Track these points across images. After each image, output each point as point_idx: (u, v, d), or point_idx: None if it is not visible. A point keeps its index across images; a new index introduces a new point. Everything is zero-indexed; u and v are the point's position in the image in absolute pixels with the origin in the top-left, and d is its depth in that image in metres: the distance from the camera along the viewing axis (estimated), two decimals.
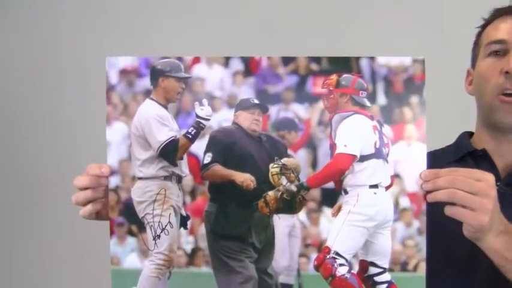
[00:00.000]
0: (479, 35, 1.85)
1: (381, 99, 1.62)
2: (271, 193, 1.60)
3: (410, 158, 1.58)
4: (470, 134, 1.92)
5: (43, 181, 3.41)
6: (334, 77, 1.59)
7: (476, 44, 1.85)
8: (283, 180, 1.62)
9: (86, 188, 1.59)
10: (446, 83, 2.38)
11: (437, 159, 1.52)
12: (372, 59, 1.60)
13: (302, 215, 1.65)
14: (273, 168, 1.62)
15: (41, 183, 3.42)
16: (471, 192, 1.41)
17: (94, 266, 2.63)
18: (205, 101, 1.61)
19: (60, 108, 3.39)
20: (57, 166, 3.38)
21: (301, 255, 1.69)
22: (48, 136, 3.42)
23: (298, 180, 1.62)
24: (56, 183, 2.81)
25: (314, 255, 1.61)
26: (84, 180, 1.59)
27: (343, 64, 1.60)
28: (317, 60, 1.61)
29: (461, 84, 1.88)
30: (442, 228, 1.56)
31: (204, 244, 1.68)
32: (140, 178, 1.68)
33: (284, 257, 1.71)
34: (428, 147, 1.56)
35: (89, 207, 1.59)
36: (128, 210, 1.67)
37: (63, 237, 3.42)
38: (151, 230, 1.67)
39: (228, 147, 1.66)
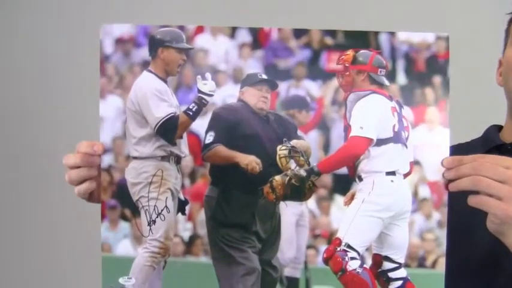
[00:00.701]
0: (510, 22, 1.82)
1: (401, 78, 1.56)
2: (278, 178, 1.56)
3: (432, 144, 1.55)
4: (499, 128, 1.90)
5: (28, 160, 3.34)
6: (350, 52, 1.55)
7: (507, 32, 1.82)
8: (292, 164, 1.56)
9: (77, 167, 1.55)
10: (473, 64, 2.36)
11: (461, 153, 1.51)
12: (392, 34, 1.55)
13: (311, 202, 1.61)
14: (281, 150, 1.57)
15: (26, 162, 3.34)
16: (499, 180, 1.35)
17: (83, 253, 2.63)
18: (208, 75, 1.56)
19: (50, 79, 3.29)
20: (45, 143, 3.28)
21: (309, 246, 1.64)
22: (35, 109, 3.34)
23: (308, 164, 1.57)
24: (44, 162, 2.80)
25: (323, 247, 1.56)
26: (74, 158, 1.53)
27: (361, 39, 1.54)
28: (332, 33, 1.55)
29: (491, 67, 1.85)
30: (463, 223, 1.55)
31: (203, 231, 1.63)
32: (135, 158, 1.62)
33: (290, 248, 1.69)
34: (452, 133, 1.54)
35: (85, 185, 1.54)
36: (121, 193, 1.64)
37: (49, 220, 3.35)
38: (146, 214, 1.64)
39: (232, 126, 1.61)
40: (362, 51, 1.55)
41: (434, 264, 1.57)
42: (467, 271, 1.64)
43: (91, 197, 1.58)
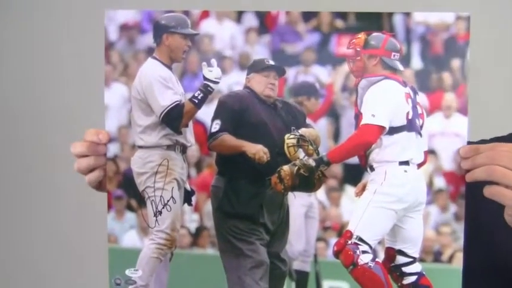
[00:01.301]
0: None
1: (416, 62, 1.31)
2: (286, 168, 1.32)
3: (449, 132, 1.32)
4: None
5: (33, 149, 3.06)
6: (362, 35, 1.31)
7: None
8: (301, 154, 1.35)
9: (85, 155, 1.35)
10: (495, 46, 1.97)
11: None
12: (407, 15, 1.30)
13: (321, 193, 1.39)
14: (289, 139, 1.35)
15: (30, 152, 3.06)
16: None
17: (90, 244, 2.36)
18: (214, 61, 1.36)
19: (55, 67, 2.99)
20: (51, 132, 2.99)
21: (319, 239, 1.42)
22: (41, 97, 3.04)
23: (318, 153, 1.35)
24: (50, 151, 2.52)
25: (334, 240, 1.34)
26: (81, 146, 1.36)
27: (373, 21, 1.30)
28: (343, 16, 1.31)
29: None
30: (484, 217, 1.27)
31: (210, 223, 1.42)
32: (141, 147, 1.42)
33: (299, 240, 1.44)
34: (471, 121, 1.26)
35: (95, 174, 1.35)
36: (127, 183, 1.41)
37: (55, 211, 3.06)
38: (152, 205, 1.41)
39: (238, 115, 1.39)
40: (374, 34, 1.32)
41: (451, 259, 1.31)
42: (488, 270, 1.34)
43: (100, 186, 1.38)
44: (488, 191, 1.17)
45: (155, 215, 1.41)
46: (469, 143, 1.29)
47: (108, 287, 1.38)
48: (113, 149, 1.38)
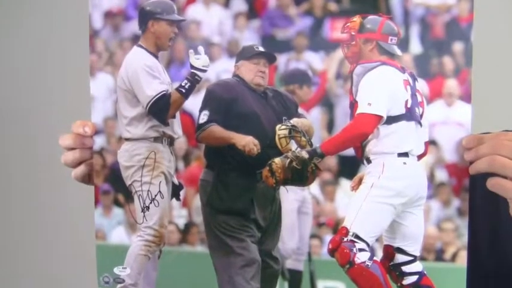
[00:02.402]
0: None
1: (416, 46, 1.17)
2: (277, 160, 1.19)
3: (451, 121, 1.18)
4: None
5: (18, 142, 2.86)
6: (357, 19, 1.18)
7: None
8: (293, 145, 1.22)
9: (72, 148, 1.24)
10: (501, 27, 1.79)
11: None
12: None
13: (315, 187, 1.26)
14: (281, 130, 1.22)
15: (16, 144, 2.87)
16: None
17: (77, 240, 2.23)
18: (201, 49, 1.24)
19: (39, 58, 2.80)
20: (35, 124, 2.79)
21: (313, 236, 1.28)
22: (25, 89, 2.83)
23: (311, 145, 1.22)
24: (36, 143, 2.38)
25: (328, 237, 1.21)
26: (68, 139, 1.24)
27: (369, 3, 1.17)
28: None
29: None
30: (486, 212, 1.12)
31: (199, 219, 1.29)
32: (127, 139, 1.29)
33: (292, 238, 1.30)
34: (475, 109, 1.11)
35: (81, 168, 1.24)
36: (114, 177, 1.29)
37: (40, 206, 2.84)
38: (139, 200, 1.28)
39: (227, 104, 1.26)
40: (370, 17, 1.19)
41: (454, 258, 1.17)
42: (495, 270, 1.18)
43: (90, 180, 1.23)
44: (490, 183, 1.03)
45: (143, 211, 1.28)
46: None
47: (96, 283, 1.27)
48: (99, 142, 1.26)
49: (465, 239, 1.14)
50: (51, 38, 2.78)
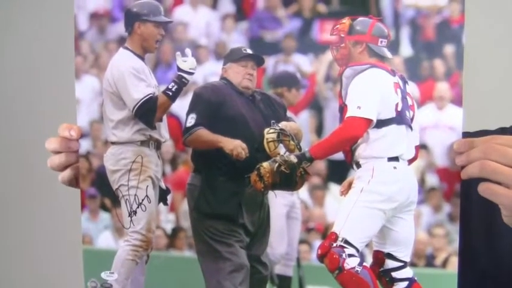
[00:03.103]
0: None
1: (406, 49, 1.11)
2: (266, 164, 1.14)
3: (442, 125, 1.12)
4: None
5: (5, 145, 2.72)
6: (346, 20, 1.12)
7: None
8: (281, 149, 1.16)
9: (59, 152, 1.19)
10: (492, 29, 1.72)
11: None
12: None
13: (303, 192, 1.20)
14: (269, 134, 1.16)
15: (1, 148, 2.72)
16: (509, 164, 0.94)
17: (64, 245, 2.15)
18: (188, 51, 1.18)
19: (24, 61, 2.68)
20: (22, 128, 2.66)
21: (302, 241, 1.22)
22: (10, 92, 2.71)
23: (300, 149, 1.16)
24: (22, 147, 2.30)
25: (318, 243, 1.15)
26: (54, 143, 1.19)
27: (359, 4, 1.11)
28: None
29: None
30: (479, 217, 1.07)
31: (186, 223, 1.23)
32: (113, 143, 1.23)
33: (281, 243, 1.25)
34: (466, 112, 1.06)
35: (68, 172, 1.19)
36: (101, 181, 1.23)
37: (27, 210, 2.71)
38: (126, 204, 1.22)
39: (215, 108, 1.20)
40: (360, 18, 1.12)
41: (445, 264, 1.11)
42: (486, 276, 1.13)
43: (78, 183, 1.20)
44: (481, 189, 0.97)
45: (130, 215, 1.23)
46: (465, 134, 1.09)
47: None
48: (85, 145, 1.21)
49: (456, 244, 1.09)
50: (36, 40, 2.69)
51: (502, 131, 1.21)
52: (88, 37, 1.21)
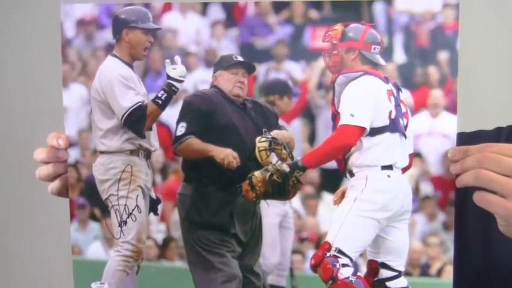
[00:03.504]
0: None
1: (399, 55, 1.08)
2: (258, 174, 1.10)
3: (436, 133, 1.08)
4: None
5: None
6: (338, 27, 1.07)
7: None
8: (273, 158, 1.12)
9: (48, 162, 1.14)
10: (487, 36, 1.68)
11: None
12: (389, 3, 1.06)
13: (296, 201, 1.16)
14: (261, 142, 1.12)
15: None
16: (504, 173, 0.91)
17: (53, 255, 2.09)
18: (178, 58, 1.13)
19: (10, 66, 2.58)
20: (8, 137, 2.53)
21: (295, 251, 1.18)
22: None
23: (292, 158, 1.12)
24: (9, 156, 2.22)
25: (311, 252, 1.11)
26: (42, 153, 1.15)
27: (351, 10, 1.06)
28: (317, 5, 1.08)
29: (510, 40, 1.27)
30: (475, 225, 1.04)
31: (177, 233, 1.19)
32: (102, 152, 1.19)
33: (274, 253, 1.21)
34: (461, 120, 1.02)
35: (56, 183, 1.15)
36: (90, 190, 1.19)
37: (17, 220, 2.59)
38: (116, 214, 1.18)
39: (205, 116, 1.16)
40: (352, 25, 1.08)
41: (440, 273, 1.07)
42: (485, 285, 1.10)
43: (67, 194, 1.18)
44: (476, 198, 0.94)
45: (120, 225, 1.19)
46: (462, 134, 1.06)
47: None
48: (73, 155, 1.16)
49: (451, 253, 1.05)
50: (22, 48, 2.59)
51: (499, 130, 1.18)
52: (75, 44, 1.17)
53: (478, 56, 1.65)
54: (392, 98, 1.08)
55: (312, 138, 1.13)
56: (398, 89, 1.08)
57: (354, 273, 1.08)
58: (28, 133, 1.75)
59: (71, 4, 1.15)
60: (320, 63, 1.09)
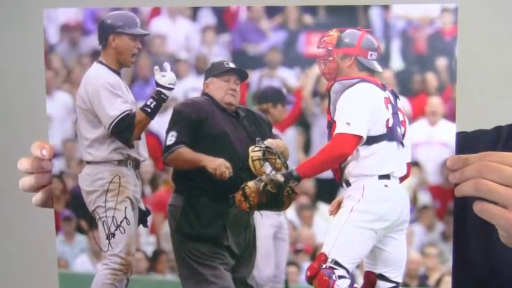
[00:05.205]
0: None
1: (397, 62, 0.99)
2: (251, 184, 1.00)
3: (434, 141, 1.00)
4: None
5: None
6: (334, 32, 0.98)
7: None
8: (267, 168, 1.03)
9: (31, 172, 1.04)
10: (486, 42, 1.59)
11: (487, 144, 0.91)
12: (386, 7, 0.97)
13: (291, 212, 1.06)
14: (254, 152, 1.03)
15: None
16: (504, 183, 0.84)
17: (39, 269, 1.96)
18: (167, 65, 1.04)
19: None
20: None
21: (290, 263, 1.09)
22: None
23: (286, 167, 1.03)
24: None
25: (306, 264, 1.02)
26: (25, 163, 1.04)
27: (347, 16, 0.97)
28: (312, 10, 0.98)
29: (509, 45, 1.19)
30: (475, 235, 0.97)
31: (168, 246, 1.09)
32: (89, 162, 1.08)
33: (268, 265, 1.12)
34: (459, 128, 0.95)
35: (40, 194, 1.05)
36: (76, 202, 1.08)
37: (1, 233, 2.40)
38: (104, 226, 1.08)
39: (196, 125, 1.06)
40: (348, 30, 0.99)
41: (438, 284, 0.99)
42: None
43: (48, 205, 1.06)
44: (476, 208, 0.86)
45: (108, 238, 1.08)
46: (462, 133, 0.98)
47: None
48: (58, 165, 1.06)
49: (449, 264, 0.97)
50: (3, 54, 2.40)
51: (499, 130, 1.11)
52: (59, 50, 1.06)
53: (477, 61, 1.57)
54: (389, 106, 0.99)
55: (307, 147, 1.04)
56: (396, 97, 0.99)
57: (351, 285, 1.00)
58: (11, 143, 1.62)
59: (54, 8, 1.04)
60: (315, 70, 1.00)
